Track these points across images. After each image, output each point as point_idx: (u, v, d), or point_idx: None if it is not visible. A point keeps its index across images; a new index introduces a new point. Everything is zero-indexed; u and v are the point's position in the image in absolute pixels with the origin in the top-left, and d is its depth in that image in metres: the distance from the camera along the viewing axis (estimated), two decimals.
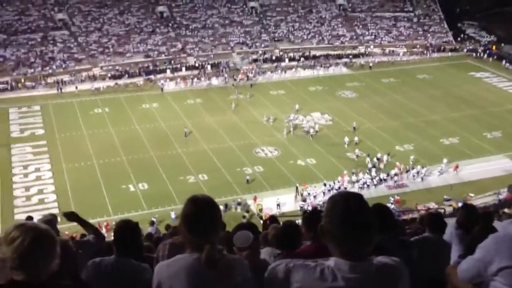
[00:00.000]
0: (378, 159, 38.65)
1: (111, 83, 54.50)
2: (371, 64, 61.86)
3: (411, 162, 38.08)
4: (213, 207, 2.95)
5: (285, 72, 59.63)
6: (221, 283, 2.86)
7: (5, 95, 50.30)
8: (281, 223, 8.08)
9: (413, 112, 48.45)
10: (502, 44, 67.45)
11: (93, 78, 55.50)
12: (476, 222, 5.93)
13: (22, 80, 53.03)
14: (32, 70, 55.17)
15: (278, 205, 32.73)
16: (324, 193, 34.24)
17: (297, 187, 34.62)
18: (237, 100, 50.58)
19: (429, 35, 71.61)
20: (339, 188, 34.42)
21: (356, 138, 41.86)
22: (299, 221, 18.83)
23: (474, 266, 3.34)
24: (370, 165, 37.82)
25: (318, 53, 65.00)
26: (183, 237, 2.94)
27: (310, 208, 31.69)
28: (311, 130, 43.56)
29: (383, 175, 36.48)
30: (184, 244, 3.07)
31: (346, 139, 41.48)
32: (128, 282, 4.19)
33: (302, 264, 2.55)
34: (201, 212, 2.90)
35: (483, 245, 3.27)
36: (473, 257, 3.36)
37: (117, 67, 57.93)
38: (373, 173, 36.79)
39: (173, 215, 30.33)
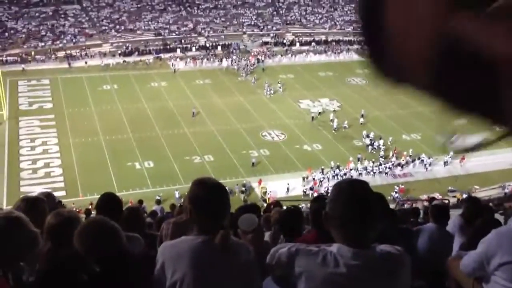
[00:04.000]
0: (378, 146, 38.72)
1: (121, 60, 54.42)
2: None
3: (410, 155, 37.84)
4: (224, 190, 3.01)
5: (296, 56, 59.22)
6: (226, 267, 2.91)
7: (15, 67, 50.31)
8: (284, 207, 8.13)
9: (423, 101, 47.84)
10: None
11: (103, 54, 55.43)
12: (479, 215, 5.93)
13: (32, 53, 53.05)
14: (42, 44, 55.15)
15: (288, 189, 32.78)
16: (328, 179, 34.29)
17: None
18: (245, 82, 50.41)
19: None
20: (345, 174, 34.46)
21: (361, 122, 41.74)
22: (302, 205, 18.77)
23: (475, 260, 3.36)
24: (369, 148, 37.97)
25: (330, 38, 64.45)
26: (191, 219, 2.94)
27: (313, 193, 31.85)
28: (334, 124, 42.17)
29: (388, 164, 36.47)
30: (186, 224, 3.09)
31: (349, 126, 41.39)
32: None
33: (304, 249, 2.56)
34: (214, 195, 2.94)
35: (486, 239, 3.29)
36: (475, 251, 3.38)
37: (127, 44, 57.78)
38: (379, 161, 36.79)
39: (177, 195, 30.50)
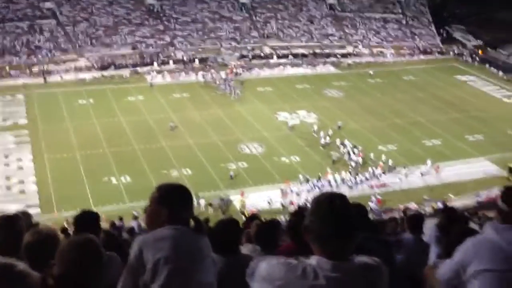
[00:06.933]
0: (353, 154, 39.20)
1: (97, 74, 53.98)
2: (371, 72, 59.61)
3: (382, 163, 38.17)
4: (185, 186, 3.48)
5: (273, 69, 59.60)
6: (200, 247, 3.26)
7: None
8: (263, 220, 8.08)
9: (399, 113, 48.79)
10: (489, 49, 68.19)
11: (79, 68, 54.93)
12: (455, 224, 5.99)
13: (7, 69, 52.30)
14: (17, 59, 54.46)
15: (269, 202, 32.78)
16: (308, 191, 34.39)
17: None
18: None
19: (417, 37, 72.13)
20: (322, 186, 34.61)
21: (329, 134, 42.14)
22: (281, 217, 18.85)
23: (452, 268, 3.40)
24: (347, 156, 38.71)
25: (306, 51, 65.07)
26: (162, 217, 3.24)
27: (291, 205, 31.89)
28: (323, 141, 41.71)
29: (364, 175, 36.77)
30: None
31: (328, 139, 41.63)
32: None
33: (284, 262, 2.57)
34: (183, 192, 3.39)
35: (462, 248, 3.33)
36: (451, 259, 3.42)
37: (103, 58, 57.39)
38: (354, 172, 37.07)
39: None
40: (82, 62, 56.37)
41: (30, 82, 50.65)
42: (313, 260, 2.53)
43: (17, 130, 41.25)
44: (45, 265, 3.07)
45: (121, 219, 22.06)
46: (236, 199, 33.35)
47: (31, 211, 24.69)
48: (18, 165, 36.31)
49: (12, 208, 26.04)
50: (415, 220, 7.42)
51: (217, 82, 53.32)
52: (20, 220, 4.31)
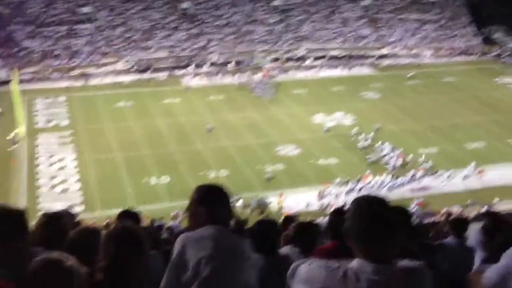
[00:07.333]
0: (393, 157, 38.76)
1: (135, 77, 54.95)
2: (410, 74, 58.29)
3: (423, 166, 37.55)
4: (223, 188, 3.56)
5: (308, 71, 59.38)
6: (240, 248, 3.29)
7: (31, 86, 50.98)
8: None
9: (438, 115, 47.91)
10: None
11: (118, 71, 56.04)
12: (500, 229, 5.84)
13: (48, 72, 53.75)
14: (58, 62, 55.90)
15: (307, 204, 32.73)
16: (346, 193, 34.13)
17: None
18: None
19: (456, 38, 70.72)
20: (361, 188, 34.26)
21: (370, 139, 41.53)
22: (319, 219, 18.73)
23: (499, 273, 3.35)
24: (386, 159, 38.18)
25: (342, 53, 64.60)
26: (202, 217, 3.33)
27: (330, 207, 31.67)
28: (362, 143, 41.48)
29: (404, 178, 36.22)
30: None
31: (368, 140, 41.21)
32: None
33: (324, 265, 2.56)
34: (222, 192, 3.46)
35: (509, 252, 3.27)
36: (498, 264, 3.36)
37: (140, 62, 58.38)
38: (394, 175, 36.58)
39: None
40: (120, 65, 57.47)
41: (70, 85, 51.90)
42: (354, 263, 2.52)
43: (60, 131, 42.33)
44: (88, 262, 3.13)
45: (160, 218, 22.45)
46: (273, 201, 33.34)
47: (75, 209, 25.33)
48: (61, 165, 37.25)
49: (56, 207, 26.79)
50: (459, 224, 7.28)
51: (252, 85, 53.47)
52: (64, 218, 4.46)
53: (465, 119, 46.86)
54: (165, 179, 35.65)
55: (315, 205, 33.03)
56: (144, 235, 3.28)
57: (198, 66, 59.16)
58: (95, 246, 3.27)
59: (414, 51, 66.63)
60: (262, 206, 32.80)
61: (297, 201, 32.85)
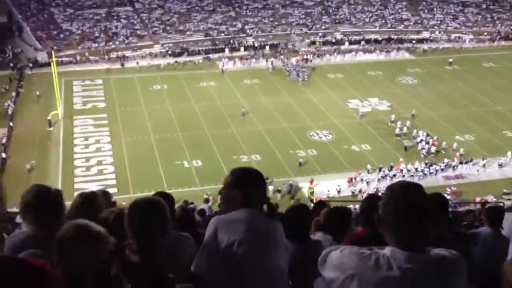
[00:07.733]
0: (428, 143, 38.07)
1: (171, 60, 55.42)
2: (451, 60, 56.58)
3: (459, 153, 36.70)
4: (260, 173, 3.47)
5: (345, 55, 58.54)
6: (272, 232, 3.28)
7: (70, 68, 52.10)
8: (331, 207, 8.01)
9: (477, 102, 46.58)
10: None
11: (154, 54, 56.62)
12: None
13: (86, 54, 54.81)
14: (96, 45, 56.88)
15: (338, 190, 32.57)
16: (378, 180, 33.76)
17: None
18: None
19: (497, 22, 68.25)
20: (394, 175, 33.80)
21: (406, 127, 40.62)
22: (350, 206, 18.50)
23: None
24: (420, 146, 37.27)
25: (379, 37, 63.35)
26: (237, 200, 3.28)
27: (362, 194, 31.43)
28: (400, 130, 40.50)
29: (438, 165, 35.51)
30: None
31: (404, 128, 40.43)
32: None
33: (356, 251, 2.54)
34: (257, 176, 3.40)
35: None
36: None
37: (177, 45, 58.79)
38: (428, 162, 35.91)
39: None
40: (157, 49, 58.03)
41: (108, 68, 52.79)
42: (387, 250, 2.47)
43: (96, 113, 43.18)
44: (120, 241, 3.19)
45: (186, 202, 22.60)
46: (304, 186, 33.27)
47: (109, 191, 25.90)
48: (97, 147, 38.07)
49: (91, 188, 27.43)
50: (495, 213, 7.06)
51: (288, 69, 53.13)
52: (99, 198, 4.54)
53: (505, 106, 45.38)
54: (198, 162, 36.00)
55: (346, 191, 32.78)
56: (168, 207, 3.35)
57: (234, 49, 59.23)
58: (123, 227, 3.25)
59: (454, 35, 64.70)
60: (293, 191, 32.79)
61: (329, 187, 32.68)
